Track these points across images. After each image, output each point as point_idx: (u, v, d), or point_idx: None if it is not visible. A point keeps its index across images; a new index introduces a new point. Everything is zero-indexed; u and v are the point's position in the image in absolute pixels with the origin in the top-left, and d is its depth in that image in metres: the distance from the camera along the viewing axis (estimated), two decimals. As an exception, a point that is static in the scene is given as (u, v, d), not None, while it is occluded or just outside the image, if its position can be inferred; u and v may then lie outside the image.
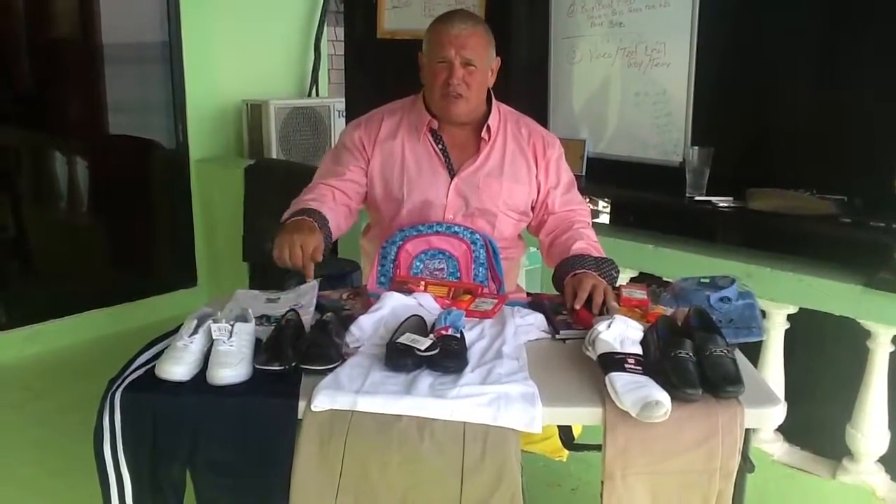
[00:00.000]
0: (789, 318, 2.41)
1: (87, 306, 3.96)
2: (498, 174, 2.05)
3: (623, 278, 2.79)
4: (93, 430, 1.42)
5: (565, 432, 1.72)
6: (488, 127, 2.04)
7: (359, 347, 1.62)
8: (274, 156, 4.27)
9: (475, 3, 3.19)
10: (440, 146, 2.06)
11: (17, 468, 2.79)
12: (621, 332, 1.53)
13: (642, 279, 2.74)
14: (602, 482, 1.40)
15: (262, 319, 1.71)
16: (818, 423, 2.44)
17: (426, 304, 1.79)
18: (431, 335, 1.55)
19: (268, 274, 2.16)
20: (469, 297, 1.84)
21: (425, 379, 1.47)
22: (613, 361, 1.46)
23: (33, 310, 3.77)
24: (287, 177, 3.88)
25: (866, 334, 2.30)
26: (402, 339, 1.53)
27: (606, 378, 1.43)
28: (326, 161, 2.14)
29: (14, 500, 2.59)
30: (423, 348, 1.50)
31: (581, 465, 2.39)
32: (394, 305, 1.75)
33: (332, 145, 4.48)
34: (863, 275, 2.24)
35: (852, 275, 2.26)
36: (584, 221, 2.09)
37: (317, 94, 4.80)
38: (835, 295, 2.28)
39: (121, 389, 1.43)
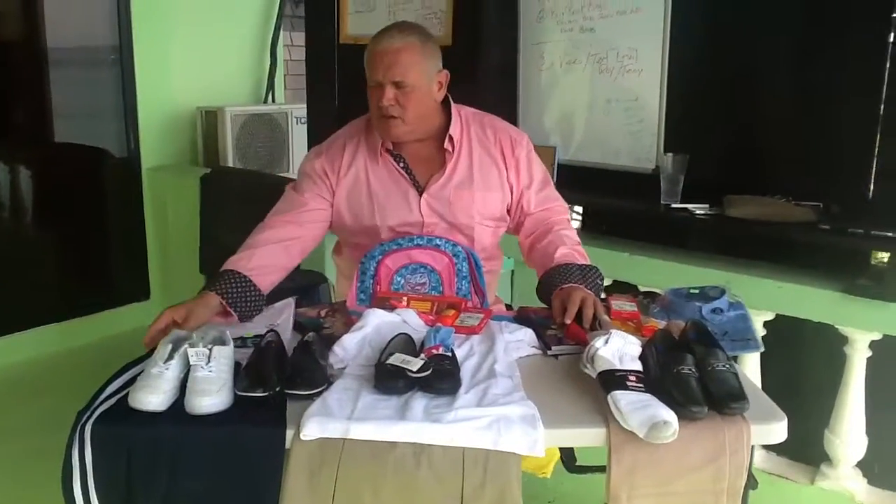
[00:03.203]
0: (766, 325, 2.40)
1: (36, 322, 3.76)
2: (468, 184, 1.97)
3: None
4: (61, 463, 1.31)
5: (567, 454, 1.66)
6: (450, 137, 1.95)
7: (344, 368, 1.54)
8: (230, 164, 4.14)
9: (443, 9, 3.13)
10: (401, 164, 1.96)
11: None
12: (619, 348, 1.48)
13: (618, 288, 2.71)
14: (605, 505, 1.35)
15: (237, 341, 1.61)
16: (796, 430, 2.42)
17: (410, 320, 1.72)
18: (422, 355, 1.48)
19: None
20: (453, 312, 1.77)
21: (419, 402, 1.40)
22: (614, 379, 1.40)
23: (-24, 327, 3.58)
24: (245, 186, 3.76)
25: (844, 340, 2.30)
26: (392, 360, 1.45)
27: (609, 397, 1.37)
28: (287, 190, 2.03)
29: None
30: (415, 369, 1.42)
31: (558, 478, 2.34)
32: (377, 323, 1.67)
33: (291, 153, 4.48)
34: (841, 281, 2.24)
35: (830, 281, 2.26)
36: (563, 219, 2.03)
37: (273, 101, 4.67)
38: (813, 301, 2.28)
39: (91, 421, 1.32)
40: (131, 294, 4.15)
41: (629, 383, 1.39)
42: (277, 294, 1.88)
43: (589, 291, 1.76)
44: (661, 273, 2.53)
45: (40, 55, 3.79)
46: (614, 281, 2.71)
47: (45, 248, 3.93)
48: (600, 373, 1.43)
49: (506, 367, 1.55)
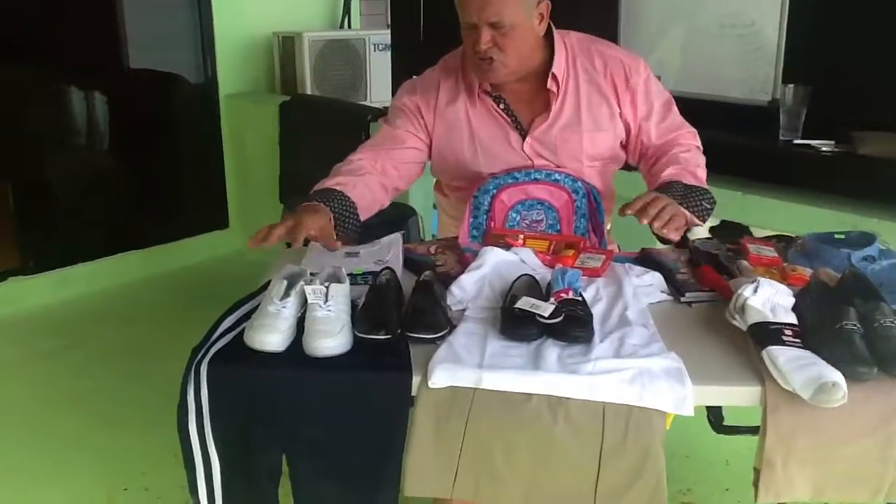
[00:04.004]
0: None
1: (116, 249, 3.76)
2: (576, 126, 1.79)
3: (702, 226, 2.60)
4: (153, 387, 1.25)
5: (714, 413, 1.55)
6: (554, 76, 1.77)
7: (464, 310, 1.44)
8: (308, 91, 4.03)
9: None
10: (502, 106, 1.80)
11: (58, 421, 2.63)
12: (770, 297, 1.34)
13: (727, 228, 2.55)
14: (756, 469, 1.23)
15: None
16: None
17: (528, 260, 1.60)
18: (551, 299, 1.36)
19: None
20: (572, 252, 1.64)
21: (551, 350, 1.29)
22: (769, 333, 1.27)
23: (60, 254, 3.57)
24: (325, 114, 3.67)
25: None
26: (521, 305, 1.34)
27: (764, 353, 1.24)
28: (381, 125, 1.90)
29: (60, 453, 2.45)
30: (546, 315, 1.31)
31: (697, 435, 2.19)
32: (495, 262, 1.56)
33: (368, 81, 4.34)
34: None
35: (975, 227, 2.06)
36: (685, 145, 1.84)
37: (349, 26, 4.52)
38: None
39: (206, 360, 1.25)
40: (210, 222, 4.12)
41: (785, 338, 1.26)
42: (365, 227, 1.77)
43: (671, 199, 1.61)
44: (776, 214, 2.34)
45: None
46: (723, 221, 2.55)
47: (123, 176, 3.90)
48: (752, 325, 1.30)
49: (638, 315, 1.42)
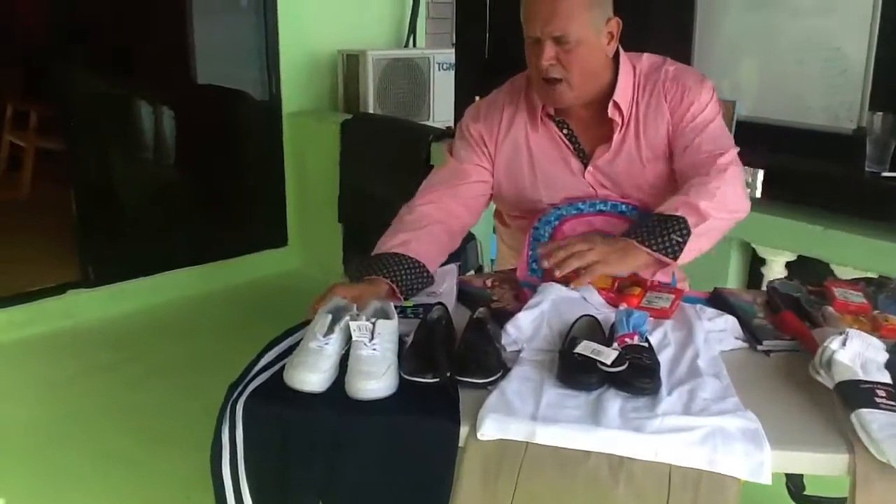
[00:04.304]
0: None
1: (175, 264, 3.77)
2: (637, 157, 1.66)
3: (778, 261, 2.45)
4: (210, 441, 1.19)
5: (794, 480, 1.42)
6: (616, 104, 1.63)
7: (519, 351, 1.34)
8: (370, 110, 3.99)
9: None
10: (565, 131, 1.69)
11: (109, 437, 2.63)
12: (861, 352, 1.21)
13: (805, 265, 2.39)
14: (842, 546, 1.10)
15: (397, 310, 1.44)
16: None
17: (590, 299, 1.49)
18: (615, 344, 1.26)
19: (364, 237, 1.88)
20: (639, 290, 1.53)
21: (613, 402, 1.18)
22: (859, 393, 1.14)
23: (120, 267, 3.60)
24: (386, 133, 3.62)
25: None
26: (581, 349, 1.24)
27: (854, 416, 1.11)
28: (446, 156, 1.80)
29: (106, 471, 2.44)
30: (608, 362, 1.21)
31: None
32: (554, 299, 1.46)
33: (431, 100, 4.28)
34: None
35: None
36: (706, 170, 1.55)
37: (413, 45, 4.48)
38: None
39: (244, 397, 1.18)
40: (269, 239, 4.11)
41: (879, 400, 1.12)
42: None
43: (605, 244, 1.47)
44: (861, 252, 2.18)
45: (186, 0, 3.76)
46: (800, 257, 2.39)
47: (185, 191, 3.93)
48: (839, 383, 1.17)
49: (710, 363, 1.31)
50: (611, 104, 1.63)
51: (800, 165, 2.46)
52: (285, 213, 4.15)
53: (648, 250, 1.46)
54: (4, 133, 4.87)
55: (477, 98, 1.91)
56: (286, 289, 3.78)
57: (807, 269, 2.42)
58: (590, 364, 1.22)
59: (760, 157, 2.60)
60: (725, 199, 1.52)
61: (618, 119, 1.65)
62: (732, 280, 2.51)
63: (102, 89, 3.59)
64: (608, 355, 1.22)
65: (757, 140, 2.54)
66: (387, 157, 3.46)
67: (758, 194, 2.71)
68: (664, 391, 1.21)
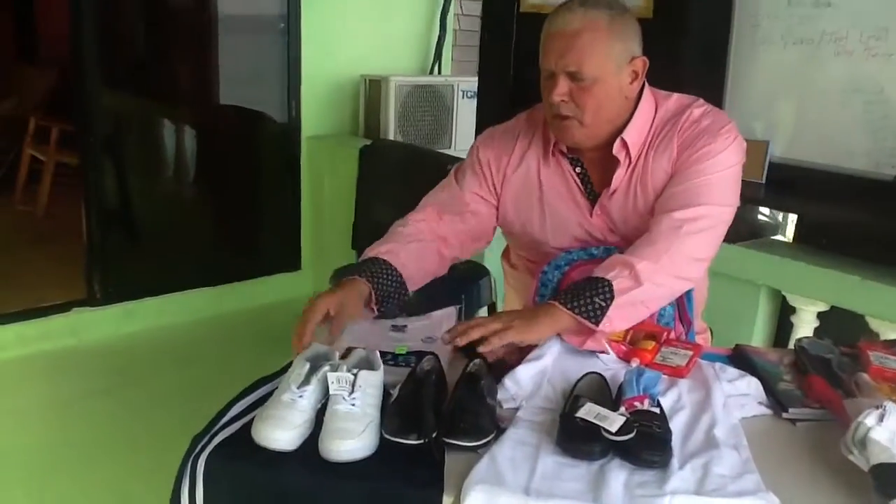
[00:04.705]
0: None
1: (187, 285, 3.69)
2: (642, 202, 1.51)
3: (810, 311, 2.30)
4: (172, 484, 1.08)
5: None
6: (624, 142, 1.50)
7: (516, 409, 1.22)
8: (391, 137, 3.91)
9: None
10: (578, 169, 1.57)
11: (103, 466, 2.54)
12: (900, 430, 1.07)
13: (839, 317, 2.24)
14: None
15: (386, 357, 1.33)
16: None
17: (601, 355, 1.37)
18: (622, 408, 1.13)
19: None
20: (653, 344, 1.40)
21: (617, 474, 1.05)
22: (899, 479, 1.00)
23: (131, 285, 3.53)
24: (405, 161, 3.51)
25: None
26: (584, 414, 1.11)
27: (893, 506, 0.97)
28: (450, 176, 1.72)
29: (98, 502, 2.34)
30: (613, 430, 1.08)
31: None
32: (558, 353, 1.34)
33: (454, 128, 4.19)
34: None
35: None
36: (662, 224, 1.43)
37: (439, 72, 4.41)
38: None
39: (206, 452, 1.07)
40: (283, 263, 4.03)
41: (921, 488, 0.98)
42: (429, 285, 1.59)
43: (523, 317, 1.37)
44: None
45: (210, 21, 3.72)
46: (833, 308, 2.24)
47: (199, 209, 3.89)
48: (875, 465, 1.03)
49: (729, 433, 1.17)
50: (618, 141, 1.50)
51: (836, 211, 2.32)
52: (300, 237, 4.07)
53: (570, 313, 1.34)
54: (26, 147, 4.87)
55: (496, 126, 1.81)
56: (297, 314, 3.68)
57: (841, 323, 2.27)
58: (593, 430, 1.09)
59: (793, 200, 2.47)
60: (673, 263, 1.40)
61: (622, 157, 1.51)
62: (759, 329, 2.37)
63: (124, 107, 3.57)
64: (614, 421, 1.09)
65: (790, 183, 2.42)
66: (404, 184, 3.35)
67: (789, 238, 2.56)
68: (675, 464, 1.08)
